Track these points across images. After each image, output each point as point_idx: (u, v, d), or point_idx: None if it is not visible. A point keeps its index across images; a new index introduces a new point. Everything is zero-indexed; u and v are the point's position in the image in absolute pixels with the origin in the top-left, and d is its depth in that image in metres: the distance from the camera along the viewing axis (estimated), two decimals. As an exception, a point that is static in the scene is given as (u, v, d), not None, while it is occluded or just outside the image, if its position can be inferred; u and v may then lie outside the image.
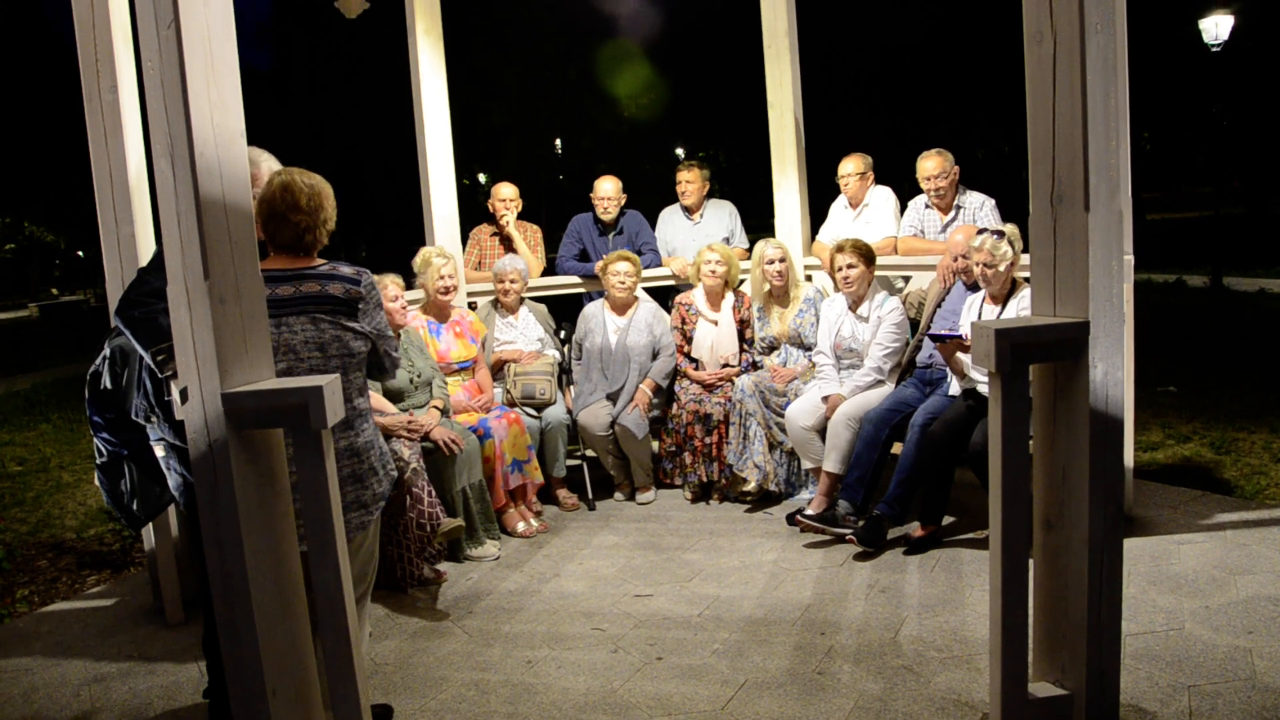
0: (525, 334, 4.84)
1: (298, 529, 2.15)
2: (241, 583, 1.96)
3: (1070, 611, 2.23)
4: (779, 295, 4.72)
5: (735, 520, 4.30)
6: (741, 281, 4.91)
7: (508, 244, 5.24)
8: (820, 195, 5.35)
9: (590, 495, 4.67)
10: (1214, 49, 13.32)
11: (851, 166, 4.94)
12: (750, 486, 4.43)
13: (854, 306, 4.27)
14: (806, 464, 4.30)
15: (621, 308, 4.79)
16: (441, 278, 4.41)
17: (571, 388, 4.83)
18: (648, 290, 5.09)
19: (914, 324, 4.34)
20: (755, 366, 4.74)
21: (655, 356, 4.70)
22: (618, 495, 4.73)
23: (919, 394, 4.00)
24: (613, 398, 4.62)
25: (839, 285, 4.27)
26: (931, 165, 4.51)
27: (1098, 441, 2.14)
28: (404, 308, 3.95)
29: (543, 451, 4.53)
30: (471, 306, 4.95)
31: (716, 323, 4.75)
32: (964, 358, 3.65)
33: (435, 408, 4.03)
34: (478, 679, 2.92)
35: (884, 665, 2.82)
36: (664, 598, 3.46)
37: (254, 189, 2.36)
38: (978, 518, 3.94)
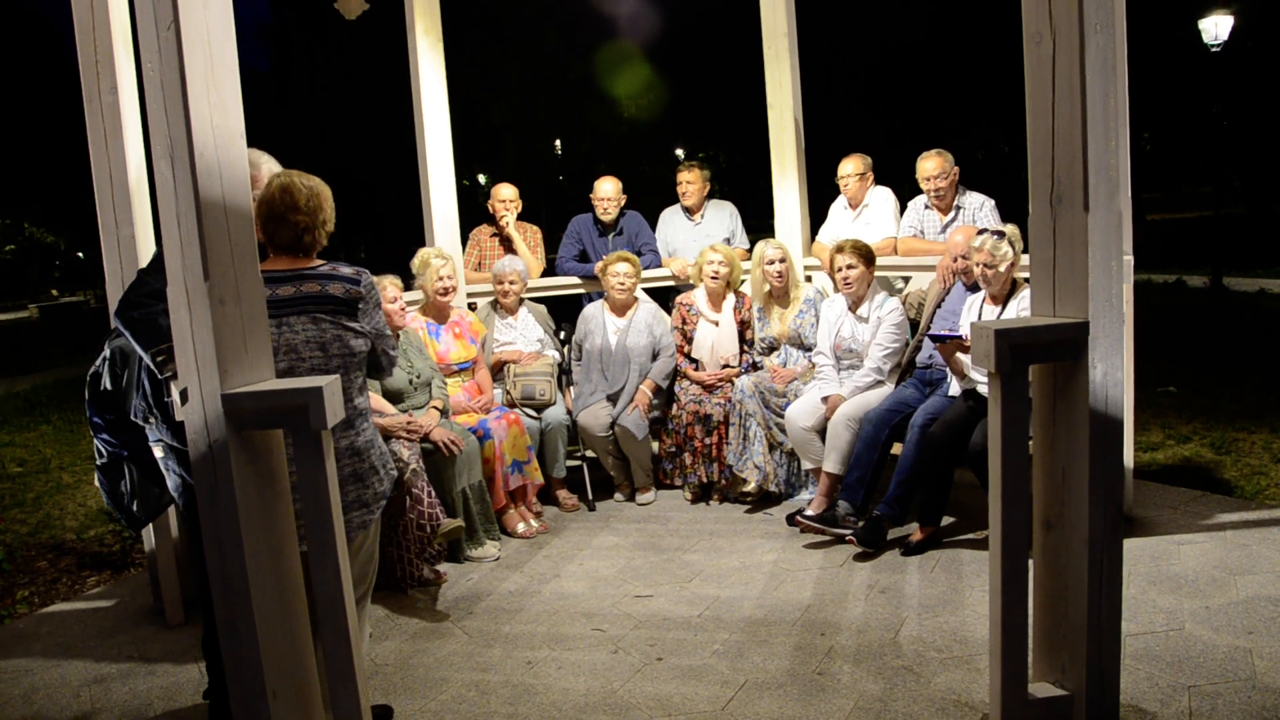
0: (525, 335, 4.84)
1: (298, 529, 2.15)
2: (241, 583, 1.96)
3: (1070, 612, 2.23)
4: (779, 296, 4.72)
5: (735, 521, 4.30)
6: (742, 282, 4.91)
7: (507, 245, 5.24)
8: (820, 196, 5.35)
9: (590, 496, 4.67)
10: (1214, 49, 13.32)
11: (851, 167, 4.94)
12: (750, 487, 4.43)
13: (854, 307, 4.27)
14: (806, 464, 4.31)
15: (621, 309, 4.79)
16: (440, 279, 4.41)
17: (571, 388, 4.83)
18: (647, 291, 5.09)
19: (914, 324, 4.34)
20: (755, 367, 4.74)
21: (655, 357, 4.70)
22: (618, 496, 4.73)
23: (919, 394, 4.00)
24: (613, 399, 4.62)
25: (838, 286, 4.27)
26: (931, 166, 4.51)
27: (1097, 442, 2.14)
28: (403, 309, 3.95)
29: (543, 452, 4.53)
30: (471, 307, 4.95)
31: (717, 323, 4.75)
32: (964, 358, 3.65)
33: (435, 408, 4.03)
34: (478, 680, 2.92)
35: (884, 666, 2.82)
36: (664, 598, 3.46)
37: (254, 191, 2.37)
38: (977, 518, 3.94)
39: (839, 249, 4.23)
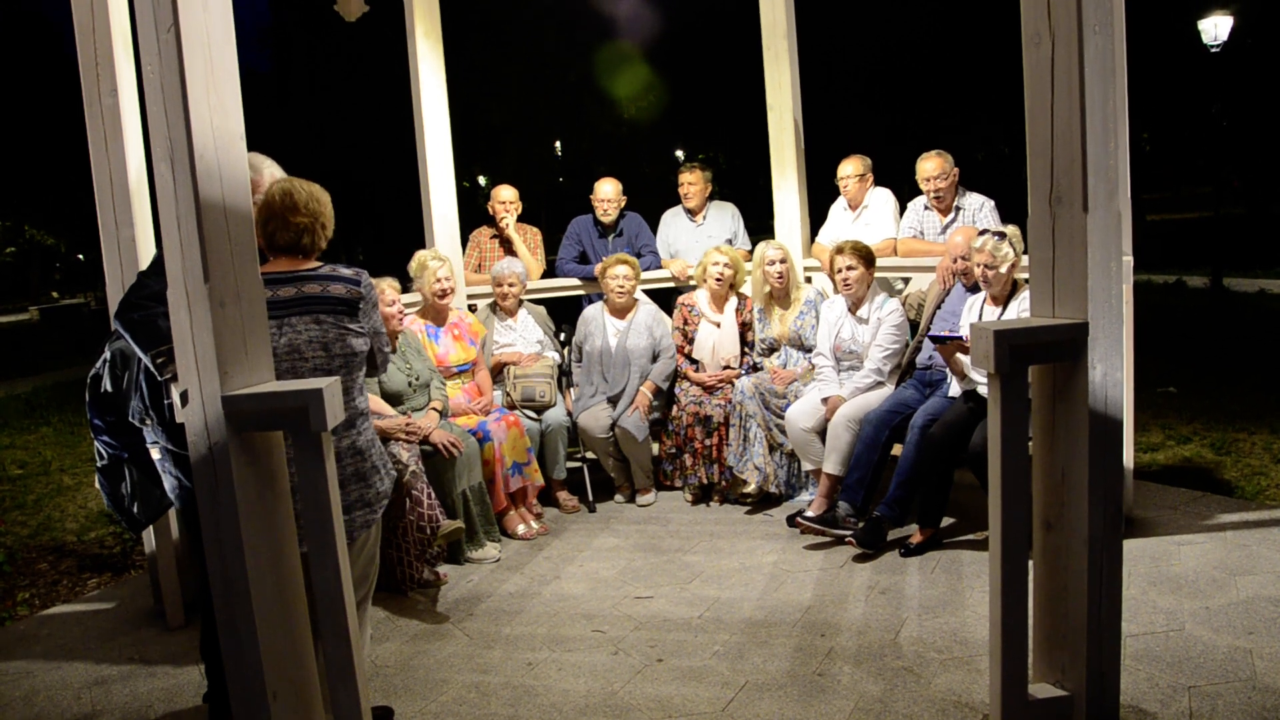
0: (524, 336, 4.84)
1: (298, 531, 2.16)
2: (242, 585, 1.96)
3: (1070, 613, 2.23)
4: (780, 297, 4.72)
5: (735, 522, 4.30)
6: (743, 283, 4.91)
7: (507, 246, 5.24)
8: (819, 197, 5.35)
9: (590, 497, 4.67)
10: (1213, 49, 13.33)
11: (851, 168, 4.94)
12: (750, 488, 4.43)
13: (854, 308, 4.27)
14: (806, 466, 4.30)
15: (621, 311, 4.79)
16: (438, 280, 4.40)
17: (571, 390, 4.83)
18: (647, 292, 5.09)
19: (914, 325, 4.34)
20: (755, 368, 4.74)
21: (655, 359, 4.70)
22: (618, 497, 4.73)
23: (919, 395, 4.00)
24: (613, 400, 4.62)
25: (838, 287, 4.27)
26: (931, 166, 4.51)
27: (1097, 442, 2.14)
28: (400, 312, 3.95)
29: (543, 454, 4.53)
30: (471, 309, 4.95)
31: (719, 325, 4.76)
32: (964, 359, 3.65)
33: (434, 410, 4.03)
34: (478, 681, 2.92)
35: (884, 667, 2.82)
36: (664, 600, 3.46)
37: (255, 196, 2.37)
38: (977, 519, 3.94)
39: (839, 250, 4.23)
